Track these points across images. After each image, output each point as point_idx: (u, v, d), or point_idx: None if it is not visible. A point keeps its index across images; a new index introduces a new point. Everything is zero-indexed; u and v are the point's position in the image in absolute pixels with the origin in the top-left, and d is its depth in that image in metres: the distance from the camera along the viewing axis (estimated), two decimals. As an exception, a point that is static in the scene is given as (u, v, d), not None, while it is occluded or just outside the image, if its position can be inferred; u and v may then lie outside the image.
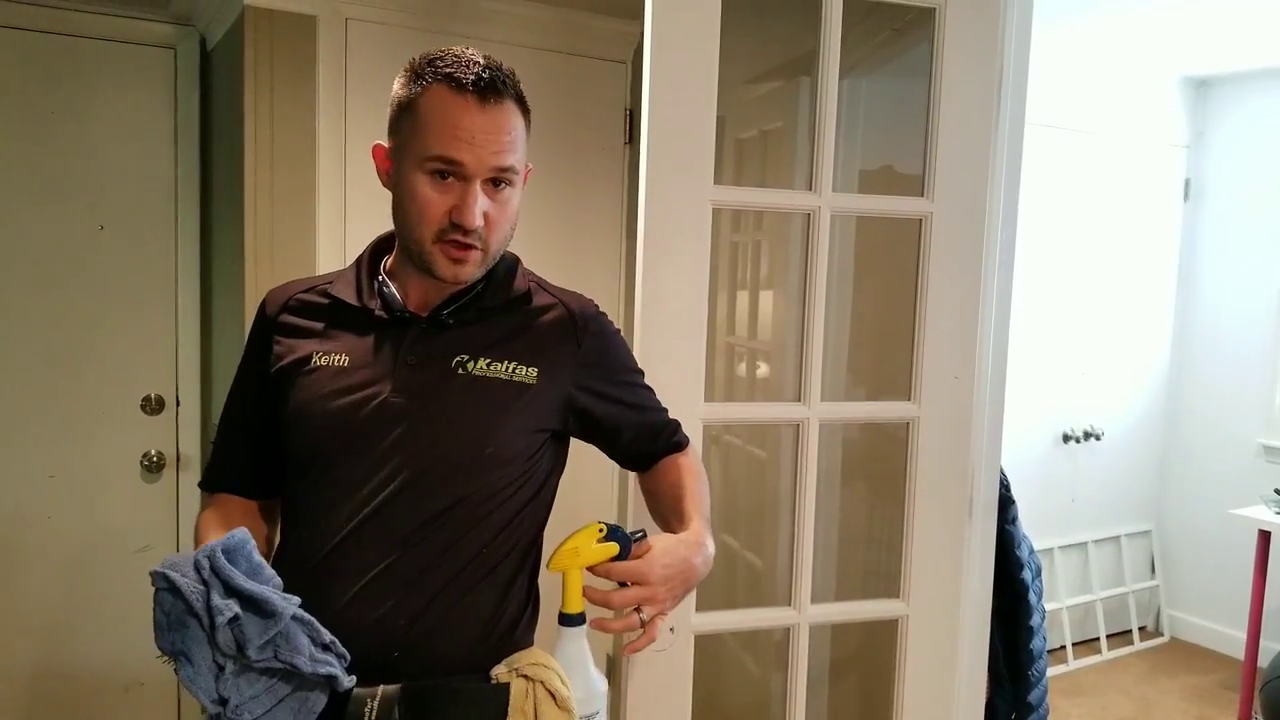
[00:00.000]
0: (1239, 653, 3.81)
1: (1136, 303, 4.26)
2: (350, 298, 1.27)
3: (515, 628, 1.25)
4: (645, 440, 1.37)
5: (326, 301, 1.28)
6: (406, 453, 1.18)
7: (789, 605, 1.69)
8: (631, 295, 1.59)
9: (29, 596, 2.62)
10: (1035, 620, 1.95)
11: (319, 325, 1.27)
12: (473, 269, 1.21)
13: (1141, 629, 4.37)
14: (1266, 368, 4.06)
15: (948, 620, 1.77)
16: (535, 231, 2.53)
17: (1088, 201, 4.06)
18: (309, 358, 1.24)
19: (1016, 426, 3.72)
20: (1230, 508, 3.75)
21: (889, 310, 2.05)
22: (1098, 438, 4.19)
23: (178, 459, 2.76)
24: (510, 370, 1.24)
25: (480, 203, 1.17)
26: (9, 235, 2.54)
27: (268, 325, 1.29)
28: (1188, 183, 4.32)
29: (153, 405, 2.72)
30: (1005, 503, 1.88)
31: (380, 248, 1.33)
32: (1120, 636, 4.29)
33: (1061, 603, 4.06)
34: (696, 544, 1.21)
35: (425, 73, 1.18)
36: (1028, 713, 1.93)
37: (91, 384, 2.65)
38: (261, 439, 1.29)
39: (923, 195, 1.69)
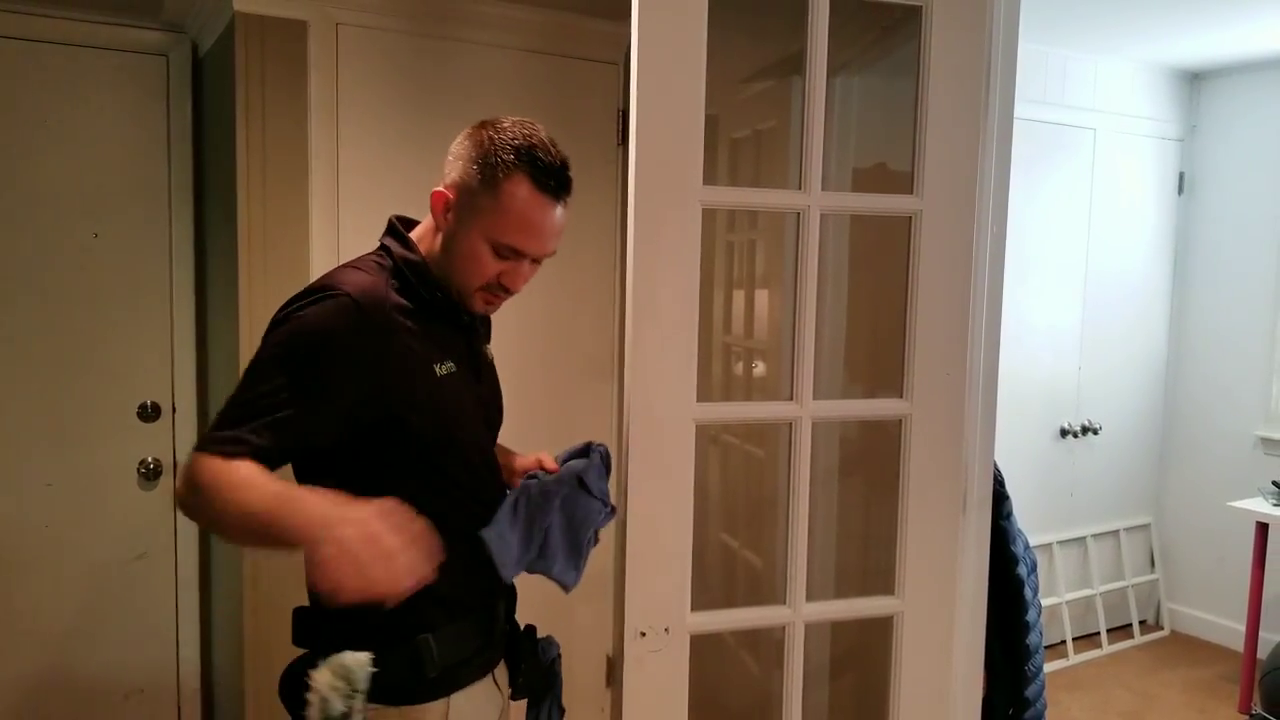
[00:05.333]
0: (1239, 645, 3.81)
1: (1132, 296, 4.26)
2: (434, 308, 1.42)
3: None
4: None
5: (412, 307, 1.38)
6: (491, 421, 1.56)
7: (784, 604, 1.69)
8: (625, 296, 1.59)
9: (28, 605, 2.62)
10: (1031, 615, 1.95)
11: (417, 332, 1.37)
12: (496, 310, 1.50)
13: (1142, 622, 4.37)
14: (1263, 360, 4.06)
15: (943, 616, 1.77)
16: (529, 233, 2.53)
17: (1082, 195, 4.06)
18: (429, 369, 1.37)
19: (1014, 422, 3.73)
20: (1228, 500, 3.76)
21: (884, 308, 2.05)
22: (1095, 432, 4.19)
23: (174, 466, 2.76)
24: (491, 354, 1.61)
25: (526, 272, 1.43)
26: (2, 244, 2.54)
27: (378, 332, 1.32)
28: (1182, 176, 4.32)
29: (149, 412, 2.72)
30: (999, 498, 1.88)
31: (406, 244, 1.44)
32: (1120, 630, 4.29)
33: (1061, 597, 4.07)
34: None
35: (510, 157, 1.35)
36: (1025, 708, 1.94)
37: (87, 392, 2.66)
38: (327, 434, 1.30)
39: (913, 193, 1.69)
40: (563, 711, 1.62)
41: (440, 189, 1.40)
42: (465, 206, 1.37)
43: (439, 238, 1.42)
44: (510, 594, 1.57)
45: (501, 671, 1.55)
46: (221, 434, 1.24)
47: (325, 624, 1.34)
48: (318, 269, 2.32)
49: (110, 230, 2.65)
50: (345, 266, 1.41)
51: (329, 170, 2.32)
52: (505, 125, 1.39)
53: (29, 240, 2.57)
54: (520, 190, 1.35)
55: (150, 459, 2.73)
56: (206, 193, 2.72)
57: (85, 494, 2.67)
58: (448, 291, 1.42)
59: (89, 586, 2.68)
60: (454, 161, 1.40)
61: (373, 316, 1.31)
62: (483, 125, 1.40)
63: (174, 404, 2.76)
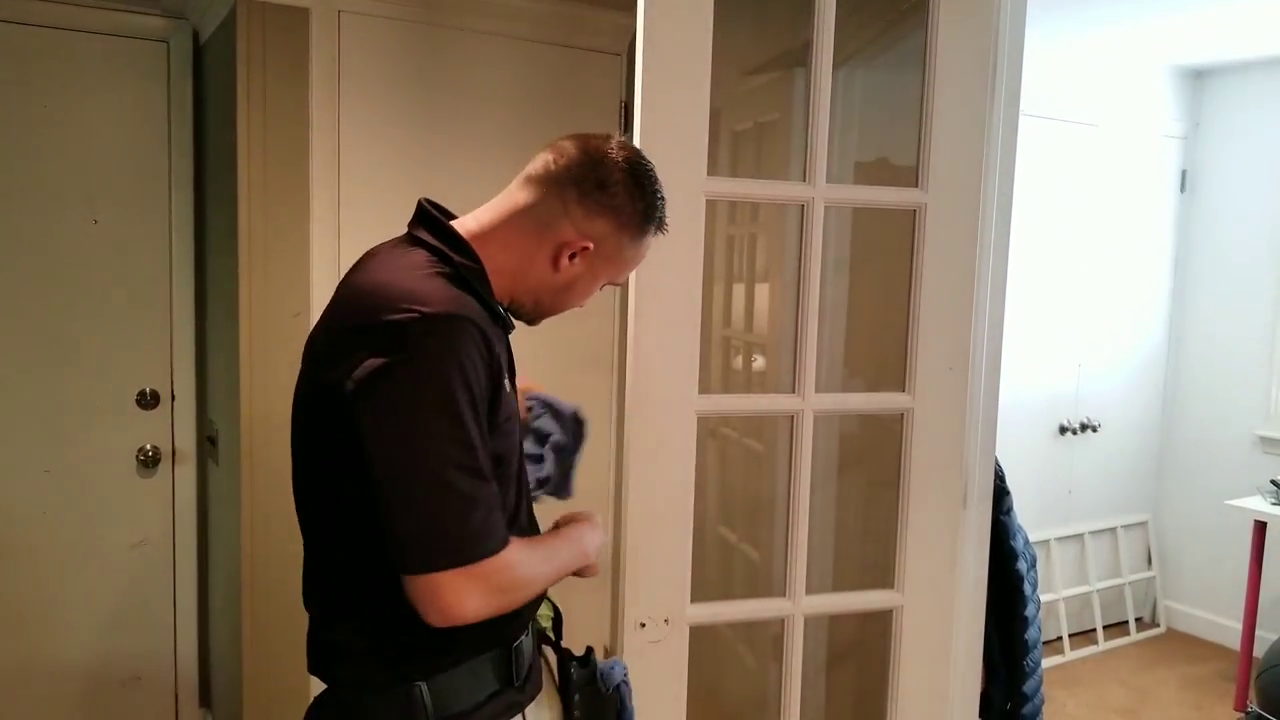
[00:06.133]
0: (1235, 643, 3.82)
1: (1133, 294, 4.26)
2: (500, 320, 1.33)
3: None
4: None
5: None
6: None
7: (784, 596, 1.69)
8: (625, 287, 1.59)
9: (25, 592, 2.62)
10: (1030, 611, 1.95)
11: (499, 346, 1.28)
12: None
13: (1138, 620, 4.38)
14: (1263, 359, 4.06)
15: (942, 611, 1.78)
16: (530, 224, 2.52)
17: (1084, 193, 4.06)
18: (504, 389, 1.27)
19: (1014, 419, 3.73)
20: (1226, 499, 3.76)
21: (887, 302, 2.05)
22: (1095, 429, 4.19)
23: (173, 453, 2.76)
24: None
25: None
26: (2, 229, 2.53)
27: (490, 349, 1.19)
28: (1184, 174, 4.32)
29: (148, 399, 2.72)
30: (1000, 494, 1.89)
31: (460, 247, 1.28)
32: (1117, 627, 4.30)
33: (1058, 594, 4.07)
34: None
35: (655, 209, 1.31)
36: (1023, 703, 1.94)
37: (86, 378, 2.65)
38: None
39: (917, 186, 1.69)
40: None
41: (578, 239, 1.27)
42: (606, 257, 1.31)
43: (545, 268, 1.29)
44: (554, 621, 1.44)
45: (540, 709, 1.38)
46: (470, 531, 1.15)
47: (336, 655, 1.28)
48: (318, 258, 2.32)
49: (110, 216, 2.64)
50: (410, 271, 1.22)
51: (330, 157, 2.31)
52: (641, 167, 1.30)
53: (28, 226, 2.55)
54: (647, 239, 1.34)
55: (149, 446, 2.72)
56: (206, 180, 2.71)
57: (83, 481, 2.66)
58: (508, 303, 1.34)
59: (87, 574, 2.68)
60: (592, 208, 1.27)
61: (486, 333, 1.18)
62: (629, 162, 1.29)
63: (173, 391, 2.75)
